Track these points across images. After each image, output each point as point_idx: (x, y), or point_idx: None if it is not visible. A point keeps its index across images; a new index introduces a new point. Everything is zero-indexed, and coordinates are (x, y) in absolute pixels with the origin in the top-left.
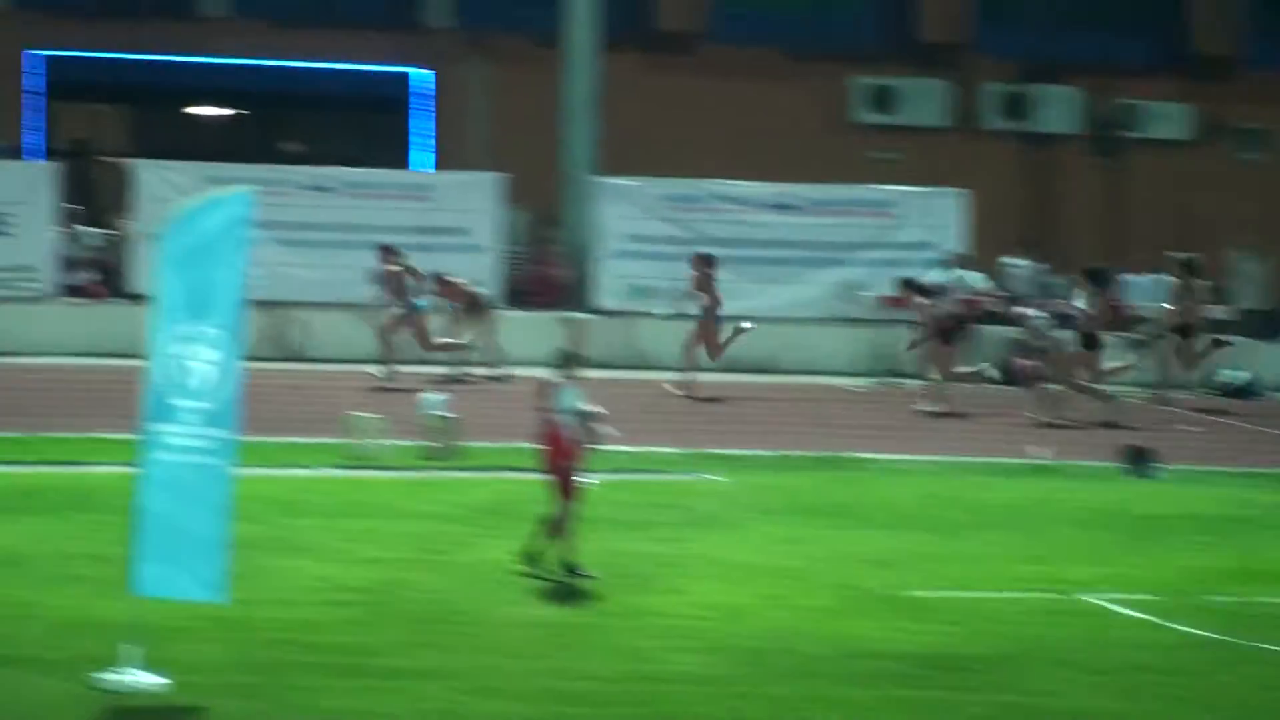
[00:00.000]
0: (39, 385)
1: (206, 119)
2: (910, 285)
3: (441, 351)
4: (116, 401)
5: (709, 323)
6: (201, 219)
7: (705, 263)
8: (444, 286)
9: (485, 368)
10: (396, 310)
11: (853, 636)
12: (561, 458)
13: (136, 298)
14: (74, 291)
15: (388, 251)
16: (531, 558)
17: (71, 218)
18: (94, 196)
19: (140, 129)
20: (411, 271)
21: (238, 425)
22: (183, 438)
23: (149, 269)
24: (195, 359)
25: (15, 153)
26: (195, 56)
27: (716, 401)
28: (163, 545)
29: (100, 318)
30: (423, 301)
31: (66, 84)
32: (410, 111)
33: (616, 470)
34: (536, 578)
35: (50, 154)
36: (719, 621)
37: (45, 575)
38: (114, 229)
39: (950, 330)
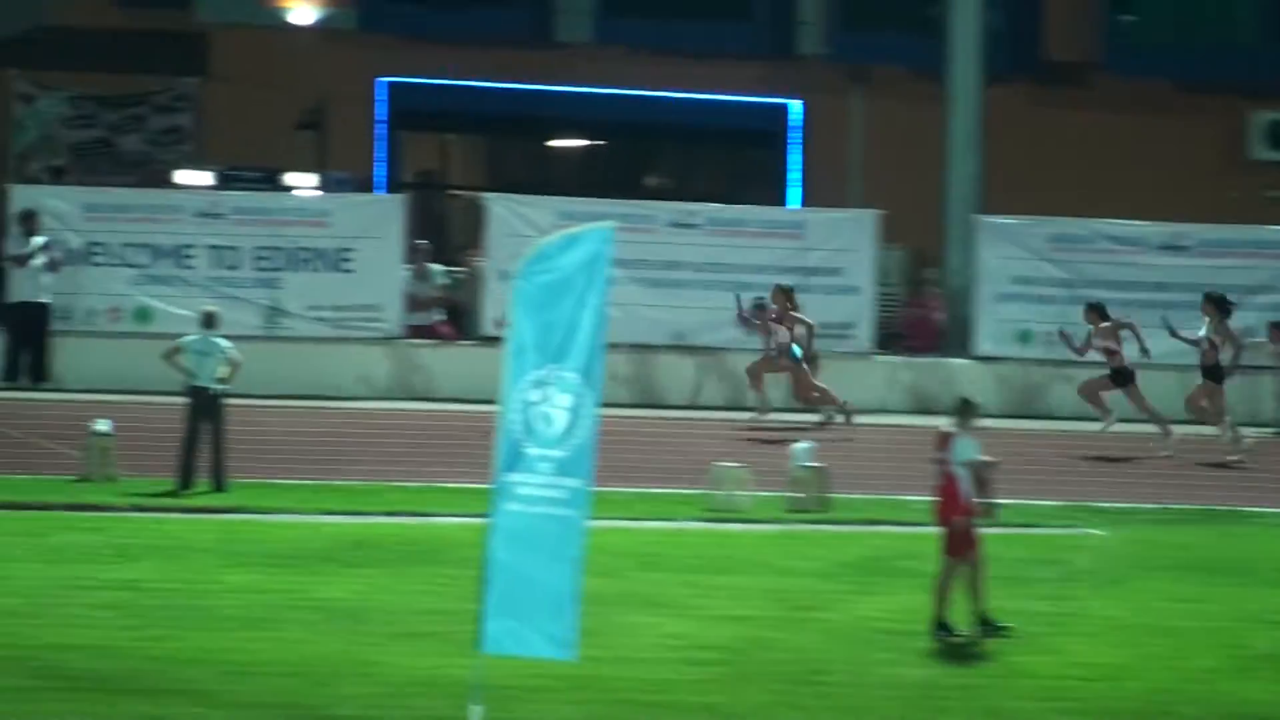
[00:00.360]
0: (381, 431)
1: (564, 151)
2: (1093, 309)
3: None
4: (463, 449)
5: (770, 359)
6: (559, 256)
7: (786, 296)
8: (765, 318)
9: (842, 415)
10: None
11: (1241, 700)
12: (955, 512)
13: (488, 340)
14: (420, 332)
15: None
16: (984, 621)
17: (419, 254)
18: (443, 232)
19: (493, 160)
20: None
21: (593, 475)
22: (535, 487)
23: (502, 309)
24: (549, 405)
25: (363, 185)
26: (553, 85)
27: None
28: (511, 600)
29: (448, 361)
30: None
31: (413, 113)
32: (787, 145)
33: (995, 524)
34: (953, 639)
35: (396, 186)
36: (1099, 683)
37: (387, 631)
38: (464, 266)
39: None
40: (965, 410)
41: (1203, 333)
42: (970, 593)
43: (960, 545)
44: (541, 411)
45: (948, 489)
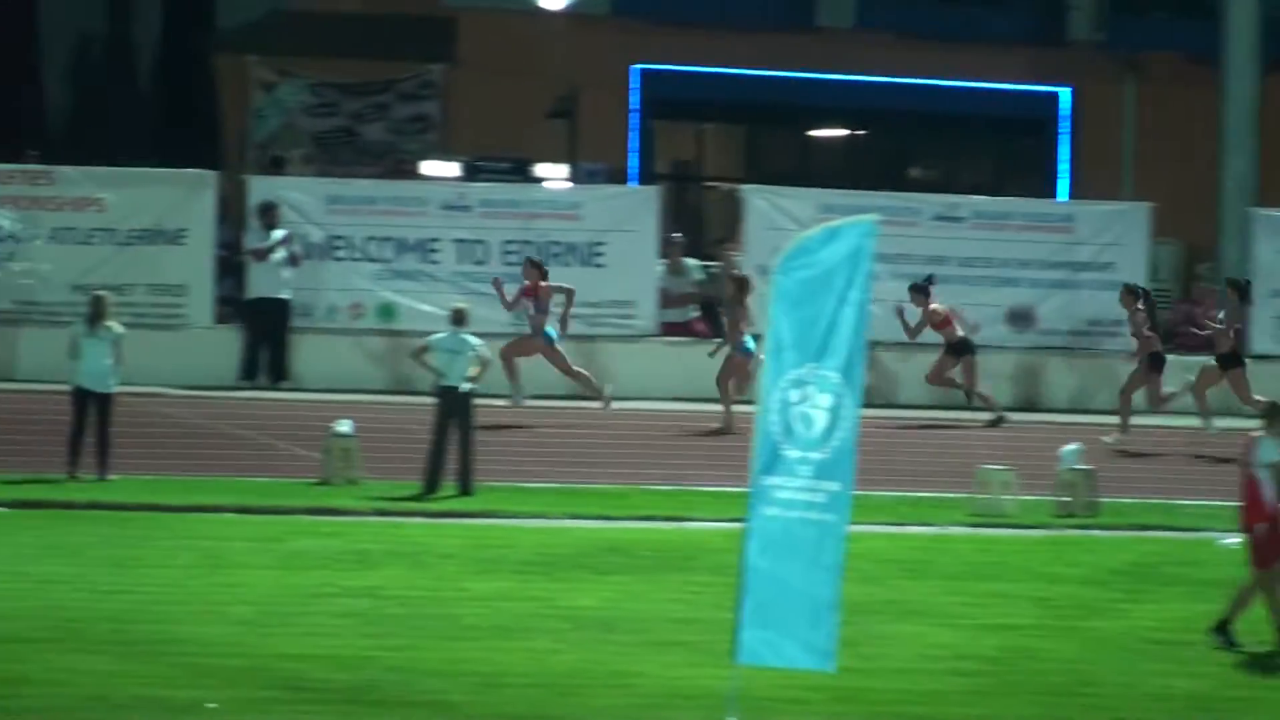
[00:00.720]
0: (633, 432)
1: (825, 140)
2: (1133, 292)
3: (577, 380)
4: (718, 451)
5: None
6: (819, 251)
7: (738, 285)
8: (930, 309)
9: (988, 411)
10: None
11: None
12: (1258, 518)
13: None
14: (675, 330)
15: (533, 266)
16: (1222, 628)
17: (674, 248)
18: (699, 225)
19: (751, 151)
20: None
21: (853, 478)
22: (793, 491)
23: (759, 306)
24: (809, 405)
25: (615, 176)
26: (814, 72)
27: None
28: (768, 608)
29: (704, 359)
30: (552, 330)
31: (668, 101)
32: (1057, 135)
33: None
34: (1229, 649)
35: (650, 177)
36: None
37: (639, 641)
38: (720, 261)
39: (1158, 355)
40: (1274, 413)
41: (1221, 316)
42: (1272, 605)
43: (1266, 553)
44: (801, 412)
45: (1251, 494)
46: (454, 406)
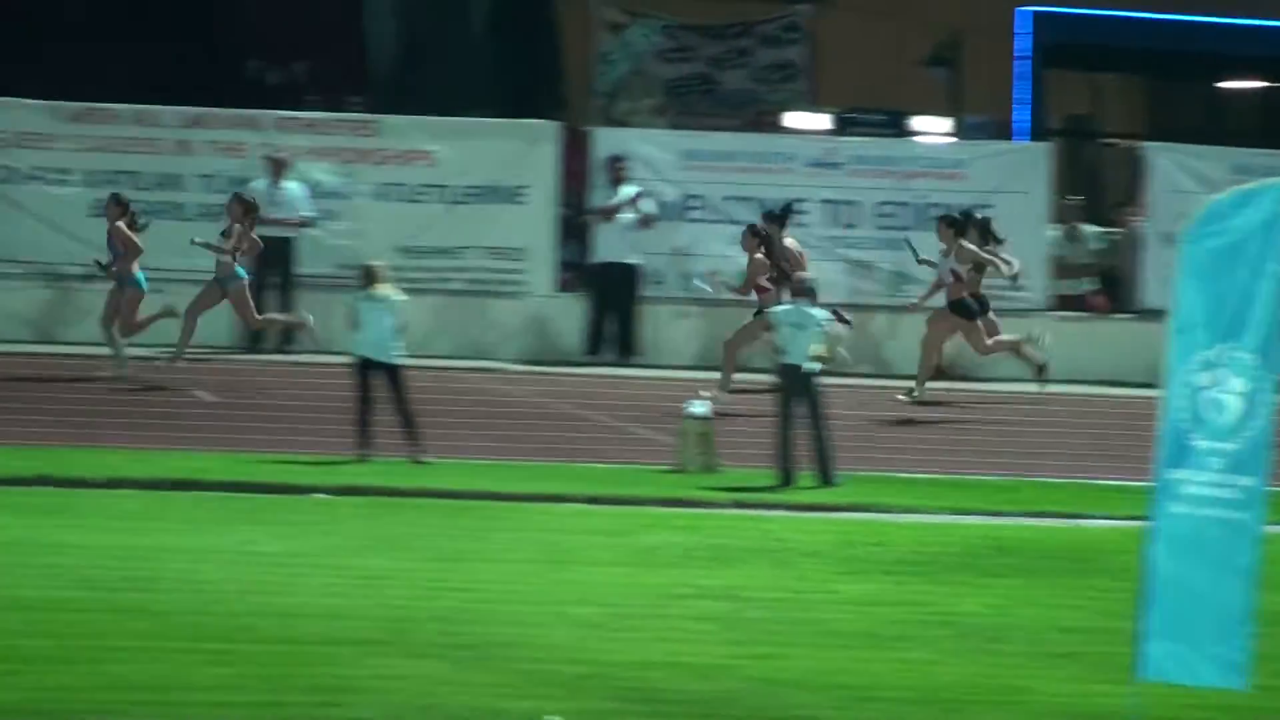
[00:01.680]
0: (1021, 417)
1: (1239, 94)
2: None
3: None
4: (1114, 439)
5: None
6: (1232, 217)
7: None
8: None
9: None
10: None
11: None
12: None
13: (1149, 313)
14: (1070, 303)
15: (113, 201)
16: None
17: (1068, 212)
18: (1096, 187)
19: (1155, 104)
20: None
21: (1270, 472)
22: (1203, 486)
23: (1165, 278)
24: (1221, 389)
25: (1002, 131)
26: (1227, 17)
27: None
28: (1174, 617)
29: (1102, 337)
30: (141, 275)
31: (1062, 47)
32: None
33: None
34: None
35: (1041, 132)
36: None
37: (1030, 652)
38: (1120, 227)
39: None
40: None
41: None
42: None
43: None
44: (1211, 398)
45: None
46: (798, 387)
